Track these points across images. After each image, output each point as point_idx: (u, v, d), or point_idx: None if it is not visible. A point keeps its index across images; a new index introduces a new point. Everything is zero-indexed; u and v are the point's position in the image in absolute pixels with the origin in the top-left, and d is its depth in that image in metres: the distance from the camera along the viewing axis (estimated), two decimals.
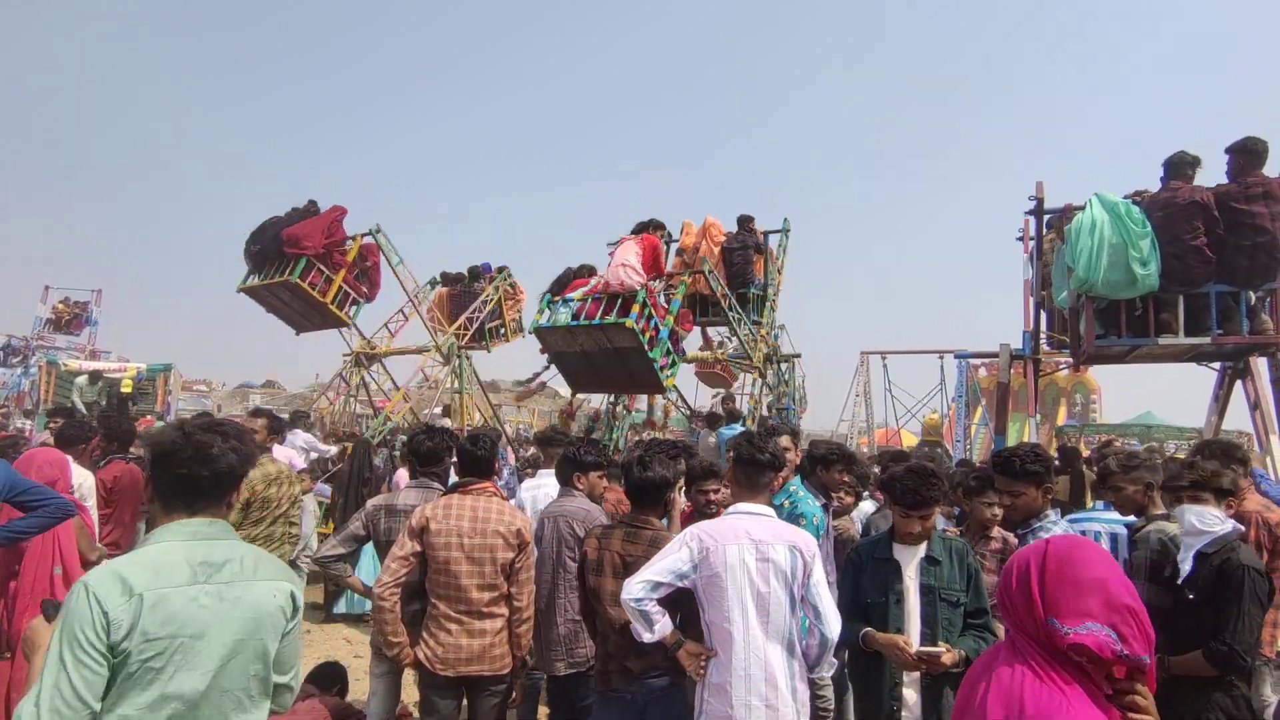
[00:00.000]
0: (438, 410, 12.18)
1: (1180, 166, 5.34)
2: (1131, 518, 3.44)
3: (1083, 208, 5.64)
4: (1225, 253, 5.14)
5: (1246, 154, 5.20)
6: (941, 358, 18.93)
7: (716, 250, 9.60)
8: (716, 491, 3.73)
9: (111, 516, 4.74)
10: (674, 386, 8.68)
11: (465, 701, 3.19)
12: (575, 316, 7.56)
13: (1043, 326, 7.39)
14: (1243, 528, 2.85)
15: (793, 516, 3.40)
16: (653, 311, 7.50)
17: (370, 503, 3.55)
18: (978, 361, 15.95)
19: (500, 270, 12.12)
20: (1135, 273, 5.07)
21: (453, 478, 3.46)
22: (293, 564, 5.12)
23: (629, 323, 7.11)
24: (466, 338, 11.28)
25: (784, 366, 11.26)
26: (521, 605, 3.12)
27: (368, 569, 5.78)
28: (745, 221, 9.99)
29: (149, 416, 10.93)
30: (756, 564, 2.57)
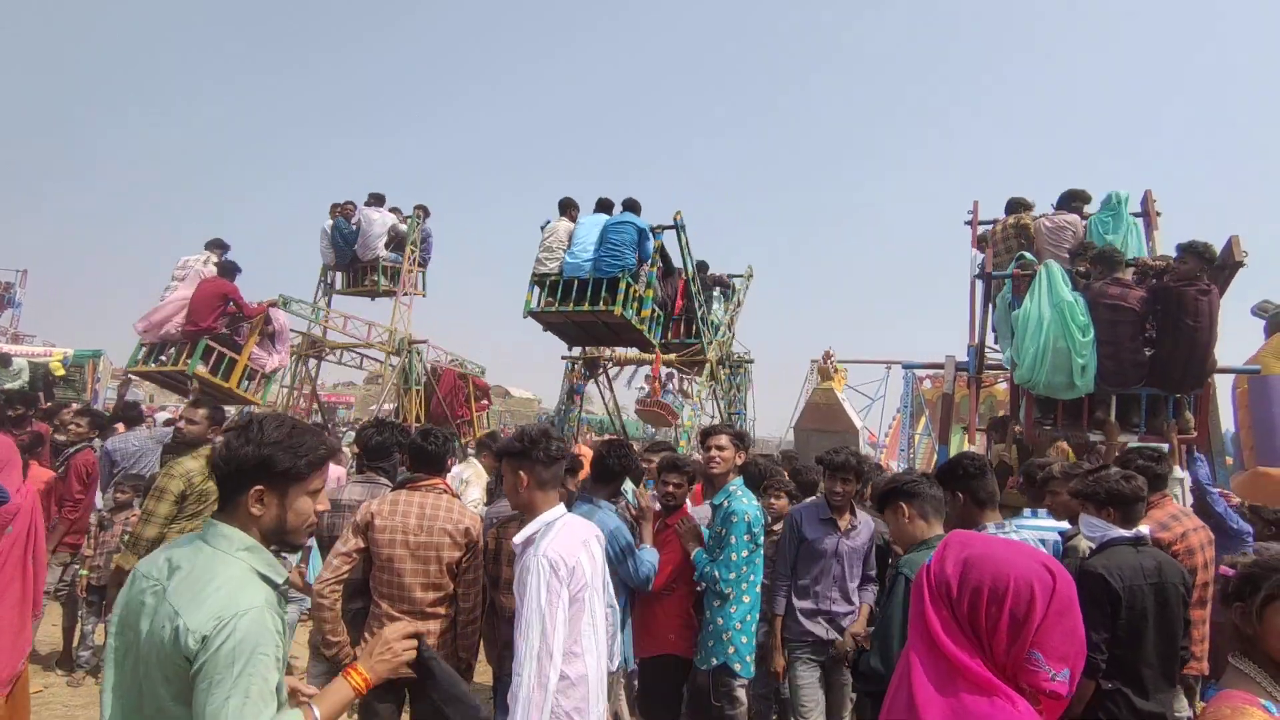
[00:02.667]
0: (389, 408, 11.96)
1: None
2: (1065, 524, 3.51)
3: (1031, 276, 5.66)
4: (1159, 358, 5.23)
5: (1195, 255, 5.30)
6: (889, 368, 19.41)
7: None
8: (680, 486, 3.80)
9: (82, 504, 4.99)
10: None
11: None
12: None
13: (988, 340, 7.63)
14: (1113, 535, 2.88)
15: (726, 514, 3.51)
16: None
17: None
18: (923, 373, 16.35)
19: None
20: (1074, 381, 5.22)
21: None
22: None
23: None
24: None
25: (736, 372, 11.41)
26: (468, 606, 3.05)
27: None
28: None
29: (76, 403, 10.42)
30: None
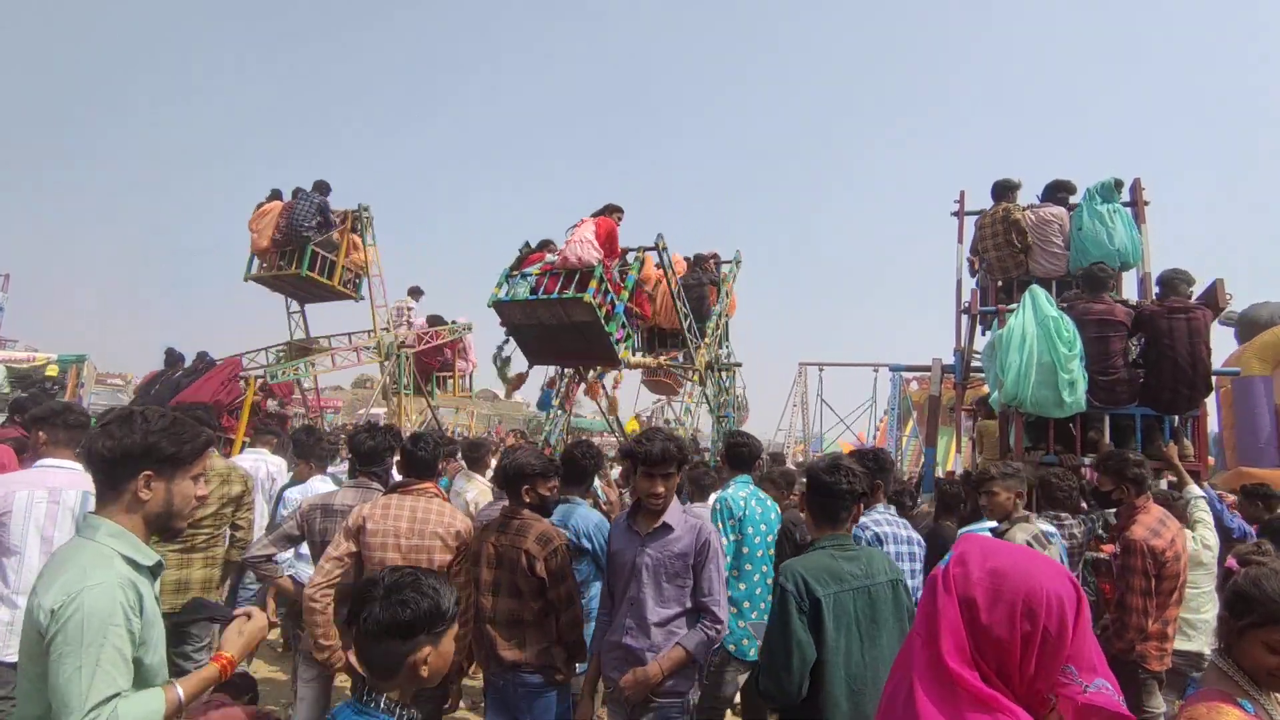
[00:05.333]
0: (377, 411, 11.94)
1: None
2: (994, 523, 3.68)
3: (1013, 310, 5.66)
4: (1148, 382, 5.25)
5: (1161, 284, 5.38)
6: (876, 370, 19.57)
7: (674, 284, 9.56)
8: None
9: None
10: (627, 359, 8.93)
11: None
12: (534, 291, 8.00)
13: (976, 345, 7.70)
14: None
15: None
16: (609, 287, 8.03)
17: (306, 501, 3.43)
18: (910, 375, 16.48)
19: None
20: (1063, 397, 5.12)
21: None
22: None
23: (587, 297, 7.54)
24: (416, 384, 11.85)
25: (725, 375, 11.43)
26: (460, 609, 3.06)
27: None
28: (702, 260, 10.66)
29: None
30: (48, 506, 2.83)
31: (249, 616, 1.93)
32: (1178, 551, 3.63)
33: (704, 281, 10.34)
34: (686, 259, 10.63)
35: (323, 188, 10.62)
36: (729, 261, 11.09)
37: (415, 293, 13.41)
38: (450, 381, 12.94)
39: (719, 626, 2.76)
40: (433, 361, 12.45)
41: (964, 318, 7.64)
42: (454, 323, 12.84)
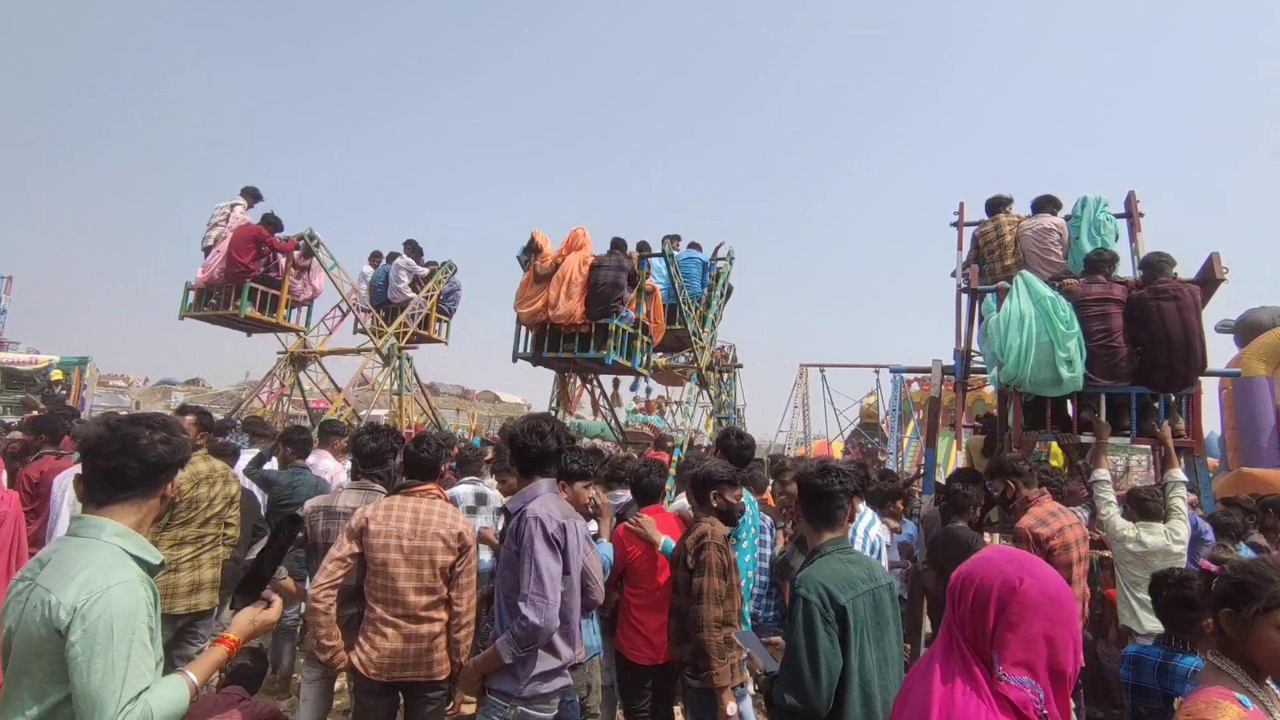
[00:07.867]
0: (378, 413, 11.92)
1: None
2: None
3: (1007, 289, 5.68)
4: (1143, 360, 5.30)
5: (1146, 267, 5.43)
6: (877, 371, 19.59)
7: (584, 266, 8.60)
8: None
9: (38, 510, 4.81)
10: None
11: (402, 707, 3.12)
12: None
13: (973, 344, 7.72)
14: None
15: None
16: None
17: (309, 503, 3.44)
18: (911, 376, 16.48)
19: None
20: (1061, 375, 5.18)
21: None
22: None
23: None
24: (406, 337, 11.13)
25: (725, 376, 11.45)
26: (461, 610, 3.07)
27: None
28: (618, 244, 8.95)
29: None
30: None
31: (268, 604, 2.00)
32: (1066, 541, 3.68)
33: (622, 266, 8.53)
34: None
35: None
36: (722, 259, 10.96)
37: (250, 194, 10.18)
38: (276, 301, 10.20)
39: (523, 624, 2.54)
40: (248, 263, 9.47)
41: (963, 325, 7.70)
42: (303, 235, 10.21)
